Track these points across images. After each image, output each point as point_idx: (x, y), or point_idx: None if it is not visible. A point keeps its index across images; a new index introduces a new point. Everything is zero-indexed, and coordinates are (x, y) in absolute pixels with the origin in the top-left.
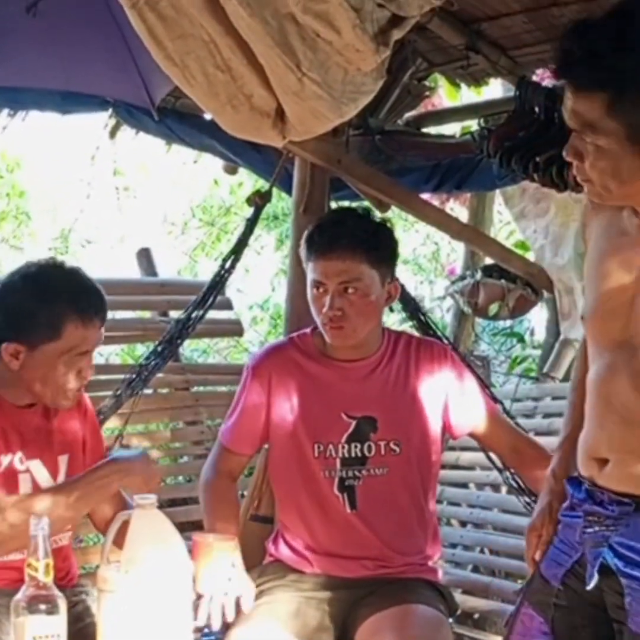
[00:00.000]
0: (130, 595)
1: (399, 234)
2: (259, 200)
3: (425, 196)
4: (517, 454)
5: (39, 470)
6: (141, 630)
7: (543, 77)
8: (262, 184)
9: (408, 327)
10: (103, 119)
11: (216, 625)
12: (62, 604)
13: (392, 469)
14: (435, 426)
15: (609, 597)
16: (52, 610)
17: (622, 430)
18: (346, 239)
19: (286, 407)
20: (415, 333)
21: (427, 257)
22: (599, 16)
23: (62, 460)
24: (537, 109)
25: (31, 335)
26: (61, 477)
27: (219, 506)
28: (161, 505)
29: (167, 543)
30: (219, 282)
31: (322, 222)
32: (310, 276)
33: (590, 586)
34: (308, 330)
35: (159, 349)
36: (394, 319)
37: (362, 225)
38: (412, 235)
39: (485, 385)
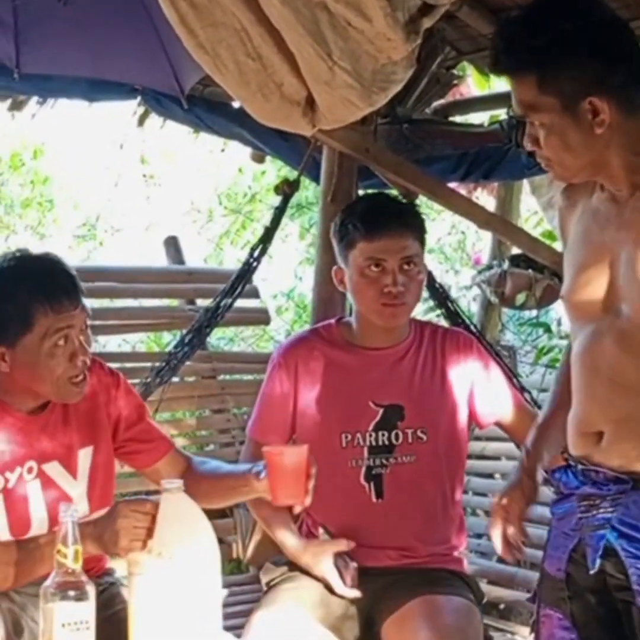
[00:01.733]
0: (161, 578)
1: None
2: (287, 189)
3: (452, 185)
4: None
5: (57, 472)
6: (172, 612)
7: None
8: (285, 171)
9: (434, 316)
10: (131, 107)
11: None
12: (91, 591)
13: (419, 457)
14: (462, 415)
15: (611, 578)
16: (81, 596)
17: (613, 395)
18: (401, 217)
19: (313, 397)
20: (443, 322)
21: (452, 247)
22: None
23: (84, 454)
24: None
25: (7, 334)
26: (82, 472)
27: (272, 513)
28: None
29: (196, 526)
30: (247, 271)
31: (366, 202)
32: (362, 256)
33: (594, 570)
34: (332, 320)
35: (188, 337)
36: (418, 309)
37: (405, 205)
38: (438, 224)
39: (511, 375)
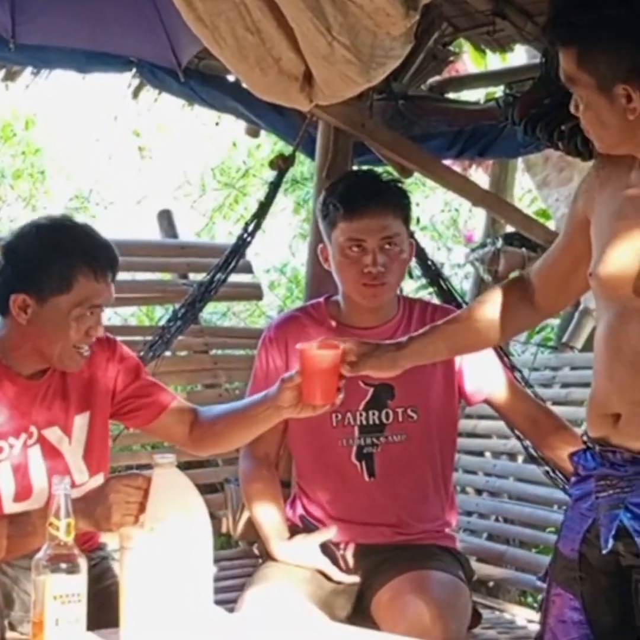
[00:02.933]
0: (152, 553)
1: (418, 199)
2: (282, 163)
3: (447, 162)
4: (533, 423)
5: (57, 437)
6: (163, 587)
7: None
8: (279, 146)
9: (426, 294)
10: (125, 79)
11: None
12: (83, 564)
13: (410, 436)
14: (451, 393)
15: (624, 559)
16: (73, 569)
17: (633, 378)
18: (382, 196)
19: None
20: (435, 300)
21: (445, 224)
22: None
23: (80, 419)
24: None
25: (42, 287)
26: (79, 437)
27: (264, 510)
28: (178, 467)
29: (188, 501)
30: (241, 245)
31: (347, 181)
32: (342, 236)
33: (606, 550)
34: (322, 299)
35: (181, 312)
36: (411, 287)
37: (387, 183)
38: (431, 201)
39: (503, 354)
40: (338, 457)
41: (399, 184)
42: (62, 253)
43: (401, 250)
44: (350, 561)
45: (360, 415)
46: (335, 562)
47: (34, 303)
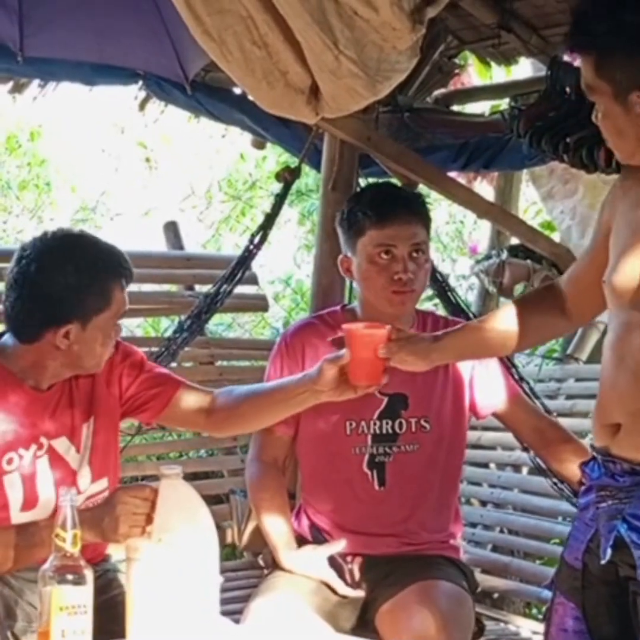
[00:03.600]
0: (159, 564)
1: None
2: (288, 176)
3: (452, 174)
4: (539, 434)
5: (66, 447)
6: (170, 598)
7: (575, 57)
8: (286, 158)
9: (431, 305)
10: (132, 91)
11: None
12: (89, 575)
13: (422, 446)
14: (461, 405)
15: (622, 570)
16: (79, 580)
17: (634, 386)
18: (410, 204)
19: None
20: (441, 311)
21: (450, 236)
22: None
23: (86, 427)
24: (568, 90)
25: (85, 311)
26: (85, 444)
27: (272, 518)
28: (184, 479)
29: (195, 512)
30: (247, 257)
31: (373, 191)
32: (371, 244)
33: (604, 560)
34: (337, 308)
35: (187, 323)
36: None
37: (412, 193)
38: (436, 213)
39: (509, 365)
40: (349, 465)
41: (420, 195)
42: (100, 272)
43: (427, 259)
44: (357, 574)
45: (374, 424)
46: (341, 574)
47: (77, 328)
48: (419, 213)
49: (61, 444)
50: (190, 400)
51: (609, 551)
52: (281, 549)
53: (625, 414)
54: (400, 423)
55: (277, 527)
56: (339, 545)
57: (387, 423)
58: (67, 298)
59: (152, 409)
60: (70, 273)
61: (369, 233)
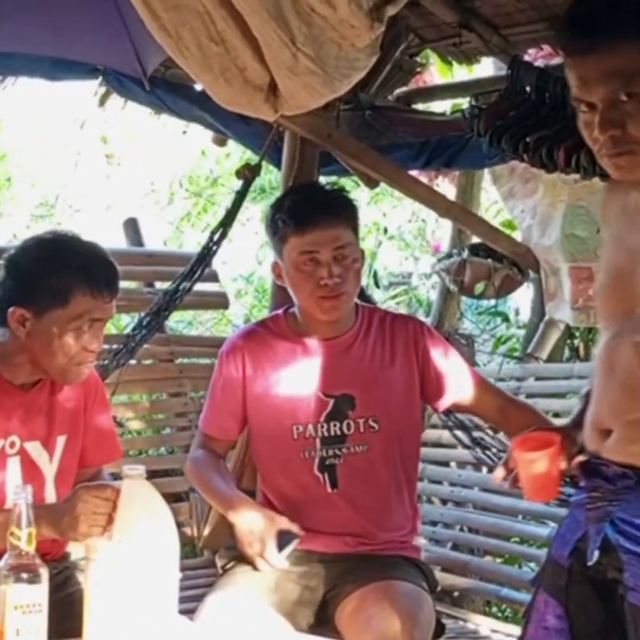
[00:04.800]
0: (118, 564)
1: (386, 209)
2: (248, 173)
3: (413, 173)
4: (504, 414)
5: (38, 452)
6: (128, 598)
7: (535, 57)
8: (249, 155)
9: (394, 303)
10: (92, 86)
11: None
12: (45, 573)
13: (372, 446)
14: (414, 401)
15: (609, 572)
16: (34, 579)
17: (624, 396)
18: (330, 207)
19: (263, 390)
20: (401, 310)
21: (413, 234)
22: None
23: (60, 441)
24: (528, 89)
25: (39, 300)
26: (57, 457)
27: (214, 476)
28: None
29: (157, 513)
30: (207, 254)
31: (293, 196)
32: (295, 251)
33: (591, 561)
34: (280, 311)
35: (146, 320)
36: (378, 297)
37: (333, 194)
38: (399, 211)
39: (468, 363)
40: (300, 470)
41: (345, 194)
42: (59, 267)
43: (354, 259)
44: (315, 567)
45: (322, 426)
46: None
47: (31, 317)
48: (341, 214)
49: (34, 448)
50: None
51: (596, 553)
52: (232, 498)
53: (615, 421)
54: (348, 424)
55: (222, 485)
56: (297, 535)
57: (334, 425)
58: (26, 282)
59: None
60: (34, 260)
61: (291, 240)
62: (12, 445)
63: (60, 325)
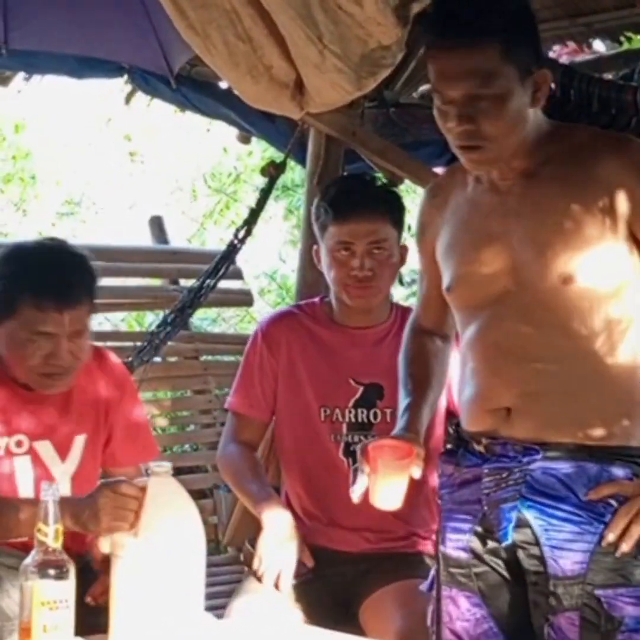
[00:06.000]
0: (144, 561)
1: (409, 206)
2: (273, 171)
3: (438, 170)
4: None
5: (47, 451)
6: (154, 596)
7: (560, 53)
8: (271, 152)
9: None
10: (117, 84)
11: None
12: (72, 570)
13: None
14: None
15: (522, 550)
16: (61, 575)
17: (519, 370)
18: (372, 201)
19: (295, 372)
20: None
21: None
22: None
23: (79, 441)
24: (553, 86)
25: None
26: (73, 457)
27: (248, 472)
28: None
29: (183, 510)
30: (231, 252)
31: (339, 185)
32: (332, 239)
33: (507, 542)
34: (316, 299)
35: (171, 317)
36: (400, 294)
37: (379, 188)
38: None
39: None
40: (326, 451)
41: (392, 189)
42: (9, 277)
43: (390, 255)
44: (337, 567)
45: (350, 412)
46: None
47: None
48: (382, 208)
49: (43, 447)
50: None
51: (511, 533)
52: (265, 504)
53: (514, 397)
54: (375, 413)
55: (256, 487)
56: (308, 559)
57: (362, 412)
58: None
59: (114, 460)
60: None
61: (330, 229)
62: (19, 444)
63: (12, 335)
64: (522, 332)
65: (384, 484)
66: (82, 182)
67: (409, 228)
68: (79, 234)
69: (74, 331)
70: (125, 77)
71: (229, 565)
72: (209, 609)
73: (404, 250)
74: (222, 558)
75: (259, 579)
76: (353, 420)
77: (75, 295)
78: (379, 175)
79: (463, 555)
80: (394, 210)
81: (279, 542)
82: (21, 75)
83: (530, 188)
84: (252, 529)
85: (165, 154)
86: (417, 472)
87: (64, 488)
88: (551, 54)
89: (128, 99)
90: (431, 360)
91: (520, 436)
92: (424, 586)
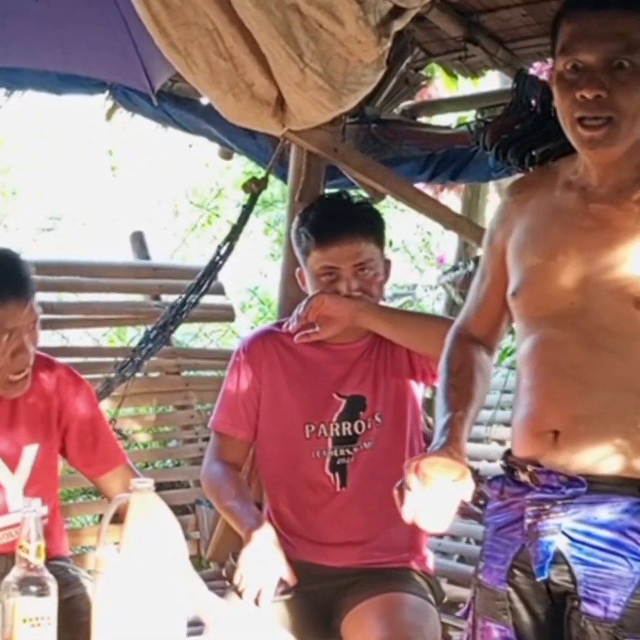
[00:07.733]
0: (126, 578)
1: (391, 222)
2: (255, 187)
3: (419, 186)
4: None
5: None
6: (136, 612)
7: (541, 70)
8: (252, 167)
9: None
10: (99, 100)
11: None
12: (53, 587)
13: (377, 441)
14: (407, 393)
15: (555, 586)
16: (43, 592)
17: (573, 393)
18: (352, 222)
19: (277, 390)
20: None
21: (417, 246)
22: None
23: (29, 451)
24: (534, 103)
25: None
26: (24, 468)
27: (232, 490)
28: None
29: (165, 527)
30: (213, 268)
31: (318, 209)
32: (317, 264)
33: (542, 577)
34: None
35: (153, 333)
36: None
37: (359, 207)
38: (403, 224)
39: None
40: (310, 469)
41: (370, 206)
42: None
43: (376, 274)
44: (321, 581)
45: (334, 426)
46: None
47: None
48: (363, 230)
49: None
50: (123, 477)
51: (547, 569)
52: (250, 525)
53: (564, 420)
54: (360, 424)
55: (240, 506)
56: (290, 579)
57: (346, 425)
58: None
59: (89, 470)
60: None
61: (313, 254)
62: None
63: None
64: (581, 353)
65: (439, 505)
66: (64, 197)
67: (391, 243)
68: (61, 249)
69: (30, 326)
70: (107, 93)
71: (211, 581)
72: (191, 624)
73: (388, 264)
74: (204, 573)
75: (240, 595)
76: (338, 434)
77: (28, 290)
78: (360, 191)
79: (499, 586)
80: (375, 229)
81: (261, 558)
82: (2, 91)
83: (619, 204)
84: (235, 544)
85: (147, 169)
86: (468, 495)
87: (16, 500)
88: (532, 71)
89: (109, 115)
90: (476, 374)
91: (566, 465)
92: (460, 613)
